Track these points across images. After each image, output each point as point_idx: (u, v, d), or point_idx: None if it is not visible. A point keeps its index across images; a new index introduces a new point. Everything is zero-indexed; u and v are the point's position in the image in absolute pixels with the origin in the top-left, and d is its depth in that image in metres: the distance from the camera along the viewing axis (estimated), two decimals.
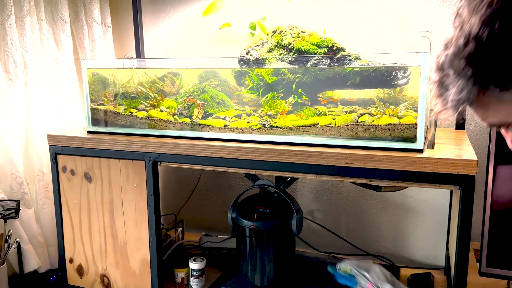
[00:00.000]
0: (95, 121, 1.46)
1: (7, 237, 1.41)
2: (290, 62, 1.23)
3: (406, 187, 1.50)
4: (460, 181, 1.01)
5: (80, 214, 1.46)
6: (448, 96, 0.58)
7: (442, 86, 0.59)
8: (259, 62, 1.26)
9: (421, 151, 1.08)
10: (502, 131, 0.63)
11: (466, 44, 0.53)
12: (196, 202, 1.90)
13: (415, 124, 1.08)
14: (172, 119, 1.36)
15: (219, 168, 1.24)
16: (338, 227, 1.72)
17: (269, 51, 1.30)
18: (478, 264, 1.19)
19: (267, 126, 1.24)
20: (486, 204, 1.15)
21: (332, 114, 1.18)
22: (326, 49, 1.25)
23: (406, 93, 1.09)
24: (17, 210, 1.44)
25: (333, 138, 1.17)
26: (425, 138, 1.13)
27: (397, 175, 1.06)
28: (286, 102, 1.22)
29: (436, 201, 1.58)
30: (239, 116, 1.29)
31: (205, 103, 1.32)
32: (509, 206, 1.14)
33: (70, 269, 1.52)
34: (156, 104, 1.38)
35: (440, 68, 0.58)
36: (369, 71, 1.12)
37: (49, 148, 1.45)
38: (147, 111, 1.39)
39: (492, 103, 0.56)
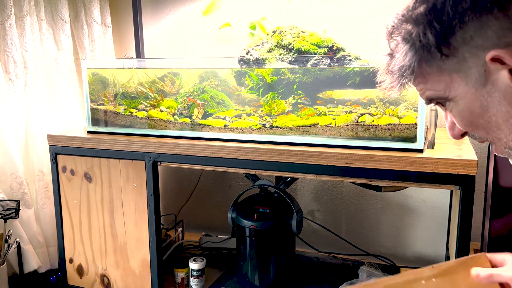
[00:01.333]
0: (95, 121, 1.46)
1: (7, 237, 1.41)
2: (290, 62, 1.23)
3: (406, 187, 1.50)
4: (460, 181, 1.01)
5: (80, 214, 1.46)
6: (394, 64, 0.58)
7: (391, 57, 0.59)
8: (259, 62, 1.26)
9: (421, 151, 1.08)
10: (444, 114, 0.62)
11: (415, 6, 0.53)
12: (196, 202, 1.90)
13: (415, 124, 1.08)
14: (172, 119, 1.36)
15: (219, 168, 1.24)
16: (338, 227, 1.72)
17: (269, 51, 1.30)
18: None
19: (267, 126, 1.24)
20: (486, 204, 1.15)
21: (332, 114, 1.18)
22: (326, 49, 1.25)
23: (406, 93, 1.09)
24: (17, 210, 1.44)
25: (333, 138, 1.17)
26: (425, 138, 1.13)
27: (397, 175, 1.06)
28: (286, 102, 1.22)
29: (436, 201, 1.58)
30: (239, 116, 1.29)
31: (205, 103, 1.32)
32: (509, 206, 1.14)
33: (70, 269, 1.52)
34: (156, 104, 1.38)
35: (390, 34, 0.58)
36: (369, 71, 1.12)
37: (49, 148, 1.45)
38: (147, 111, 1.39)
39: (433, 73, 0.56)
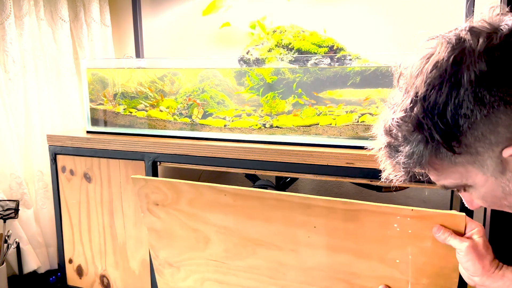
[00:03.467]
0: (94, 121, 1.46)
1: (7, 238, 1.40)
2: (290, 62, 1.22)
3: (406, 187, 1.49)
4: None
5: (80, 215, 1.45)
6: (399, 158, 0.55)
7: (391, 148, 0.56)
8: (259, 62, 1.26)
9: None
10: (461, 193, 0.60)
11: (412, 107, 0.51)
12: None
13: None
14: (171, 119, 1.36)
15: (219, 168, 1.24)
16: None
17: (269, 50, 1.29)
18: None
19: (267, 126, 1.24)
20: None
21: (332, 114, 1.17)
22: (326, 49, 1.24)
23: None
24: (16, 210, 1.43)
25: (334, 138, 1.17)
26: None
27: None
28: (286, 102, 1.21)
29: (436, 201, 1.58)
30: (239, 116, 1.28)
31: (205, 103, 1.31)
32: None
33: (70, 270, 1.51)
34: (155, 104, 1.38)
35: (388, 133, 0.55)
36: (370, 71, 1.12)
37: (49, 148, 1.45)
38: (146, 111, 1.39)
39: (445, 165, 0.54)
